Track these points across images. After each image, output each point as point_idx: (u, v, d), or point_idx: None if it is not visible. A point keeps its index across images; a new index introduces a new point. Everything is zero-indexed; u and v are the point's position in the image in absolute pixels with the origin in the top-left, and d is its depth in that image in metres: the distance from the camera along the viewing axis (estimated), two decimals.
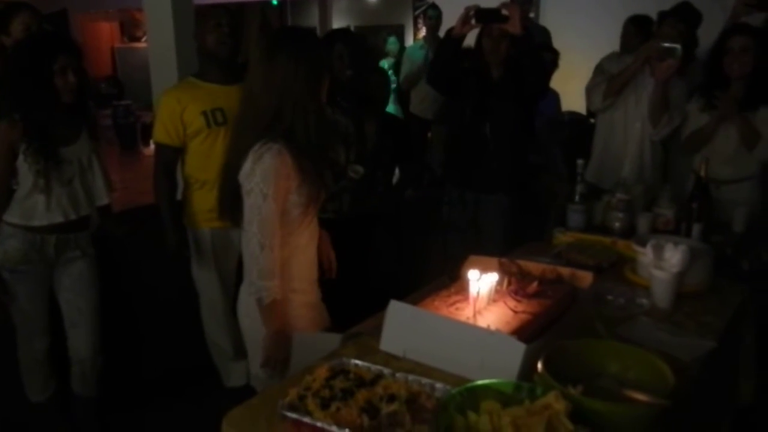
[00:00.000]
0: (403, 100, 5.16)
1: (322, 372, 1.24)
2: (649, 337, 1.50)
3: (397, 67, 5.32)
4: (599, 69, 2.90)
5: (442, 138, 4.20)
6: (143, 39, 9.72)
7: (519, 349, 1.23)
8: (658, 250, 1.72)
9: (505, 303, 1.46)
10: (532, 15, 5.14)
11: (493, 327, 1.34)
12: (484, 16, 2.46)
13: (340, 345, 1.50)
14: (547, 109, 3.91)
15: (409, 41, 7.88)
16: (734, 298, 1.77)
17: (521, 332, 1.33)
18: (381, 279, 2.51)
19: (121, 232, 2.42)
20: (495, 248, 2.40)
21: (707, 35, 2.93)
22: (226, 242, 2.43)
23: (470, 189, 2.75)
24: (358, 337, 1.51)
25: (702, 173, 2.15)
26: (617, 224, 2.26)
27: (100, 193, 2.26)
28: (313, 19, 9.10)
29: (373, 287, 2.37)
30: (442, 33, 3.27)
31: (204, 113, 2.31)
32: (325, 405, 1.14)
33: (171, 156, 2.39)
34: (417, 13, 8.31)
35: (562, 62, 4.04)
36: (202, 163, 2.34)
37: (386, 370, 1.25)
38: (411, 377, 1.23)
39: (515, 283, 1.55)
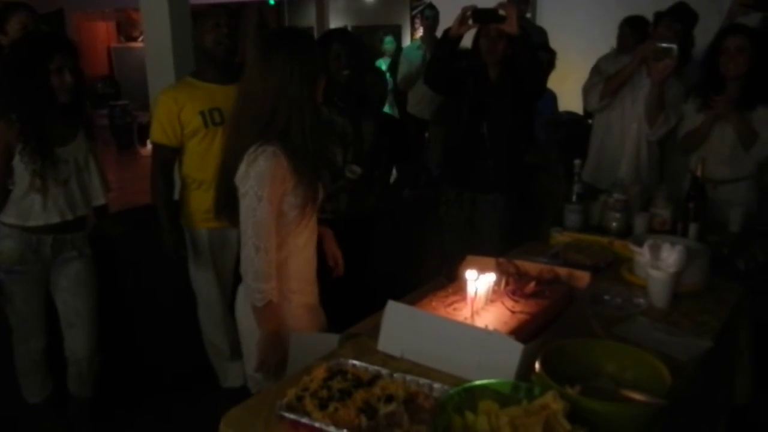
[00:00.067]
0: (399, 100, 5.16)
1: (319, 372, 1.24)
2: (646, 337, 1.50)
3: (393, 66, 5.32)
4: (596, 69, 2.91)
5: (440, 138, 4.21)
6: (140, 39, 9.71)
7: (516, 349, 1.23)
8: (655, 250, 1.72)
9: (503, 303, 1.46)
10: (528, 15, 5.14)
11: (490, 327, 1.35)
12: (481, 16, 2.46)
13: (337, 345, 1.50)
14: (544, 109, 3.92)
15: (406, 41, 7.88)
16: (730, 297, 1.77)
17: (519, 332, 1.34)
18: (378, 279, 2.51)
19: (117, 233, 2.41)
20: (492, 248, 2.40)
21: (703, 35, 2.94)
22: (223, 242, 2.43)
23: (467, 189, 2.76)
24: (355, 338, 1.51)
25: (698, 173, 2.16)
26: (614, 224, 2.27)
27: (96, 194, 2.26)
28: (310, 19, 9.09)
29: (371, 287, 2.37)
30: (439, 33, 3.28)
31: (201, 113, 2.31)
32: (323, 405, 1.14)
33: (168, 156, 2.39)
34: (414, 13, 8.32)
35: (559, 62, 4.05)
36: (200, 163, 2.33)
37: (384, 371, 1.26)
38: (409, 377, 1.23)
39: (513, 283, 1.55)
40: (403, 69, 4.84)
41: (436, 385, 1.20)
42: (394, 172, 2.97)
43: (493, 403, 1.08)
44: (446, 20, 3.34)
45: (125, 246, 2.52)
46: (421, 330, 1.37)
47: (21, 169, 2.04)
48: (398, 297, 1.46)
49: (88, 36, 10.06)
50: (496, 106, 2.64)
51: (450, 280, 1.62)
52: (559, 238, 2.22)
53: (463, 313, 1.42)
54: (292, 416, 1.13)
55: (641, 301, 1.71)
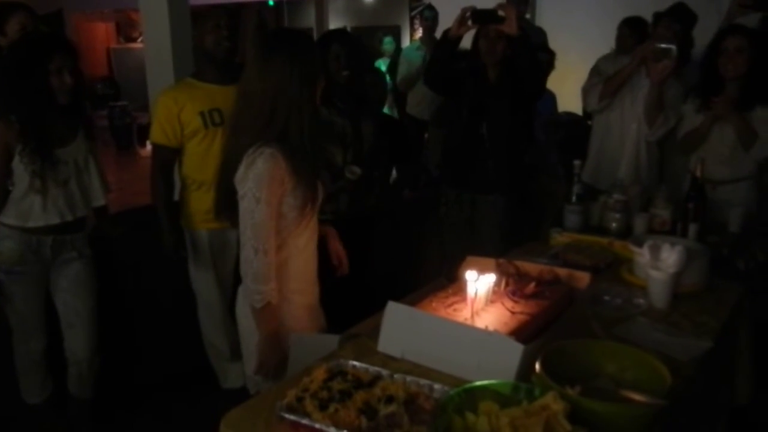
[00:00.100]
0: (398, 101, 5.16)
1: (320, 373, 1.24)
2: (646, 338, 1.50)
3: (392, 67, 5.32)
4: (595, 70, 2.92)
5: (439, 139, 4.21)
6: (139, 39, 9.72)
7: (517, 349, 1.23)
8: (655, 251, 1.72)
9: (503, 304, 1.46)
10: (528, 16, 5.15)
11: (490, 328, 1.35)
12: (480, 17, 2.47)
13: (338, 346, 1.50)
14: (543, 110, 3.92)
15: (406, 42, 7.89)
16: (730, 298, 1.78)
17: (519, 333, 1.34)
18: (378, 280, 2.51)
19: (117, 233, 2.41)
20: (492, 249, 2.40)
21: (702, 36, 2.94)
22: (223, 243, 2.43)
23: (467, 189, 2.76)
24: (355, 339, 1.51)
25: (698, 174, 2.16)
26: (614, 225, 2.27)
27: (96, 194, 2.26)
28: (309, 20, 9.09)
29: (371, 288, 2.37)
30: (438, 34, 3.28)
31: (201, 114, 2.31)
32: (323, 406, 1.14)
33: (168, 157, 2.39)
34: (413, 14, 8.33)
35: (559, 63, 4.05)
36: (200, 163, 2.33)
37: (384, 372, 1.26)
38: (409, 378, 1.23)
39: (513, 284, 1.55)
40: (402, 70, 4.84)
41: (437, 386, 1.20)
42: (394, 172, 2.97)
43: (493, 404, 1.08)
44: (446, 21, 3.34)
45: (125, 247, 2.52)
46: (421, 331, 1.37)
47: (21, 170, 2.04)
48: (398, 298, 1.46)
49: (88, 37, 10.06)
50: (496, 106, 2.64)
51: (450, 281, 1.62)
52: (559, 238, 2.22)
53: (463, 313, 1.42)
54: (292, 417, 1.13)
55: (641, 301, 1.71)
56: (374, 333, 1.44)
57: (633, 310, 1.68)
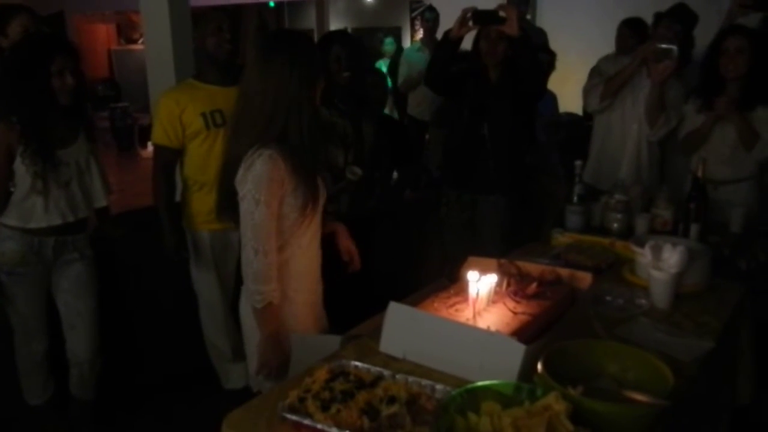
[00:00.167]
0: (399, 102, 5.16)
1: (322, 374, 1.24)
2: (647, 338, 1.50)
3: (393, 68, 5.31)
4: (596, 70, 2.91)
5: (440, 139, 4.21)
6: (140, 41, 9.73)
7: (519, 350, 1.23)
8: (657, 251, 1.72)
9: (505, 304, 1.46)
10: (528, 16, 5.15)
11: (492, 328, 1.35)
12: (481, 17, 2.47)
13: (339, 347, 1.50)
14: (544, 111, 3.92)
15: (406, 43, 7.90)
16: (732, 298, 1.77)
17: (521, 333, 1.33)
18: (380, 280, 2.51)
19: (118, 234, 2.41)
20: (493, 249, 2.40)
21: (703, 36, 2.95)
22: (225, 244, 2.43)
23: (468, 190, 2.76)
24: (357, 339, 1.51)
25: (699, 174, 2.16)
26: (615, 225, 2.27)
27: (97, 196, 2.26)
28: (310, 21, 9.11)
29: (372, 289, 2.37)
30: (439, 35, 3.28)
31: (203, 115, 2.31)
32: (325, 407, 1.14)
33: (170, 157, 2.39)
34: (414, 15, 8.33)
35: (559, 64, 4.05)
36: (201, 164, 2.34)
37: (386, 372, 1.26)
38: (411, 379, 1.23)
39: (514, 285, 1.55)
40: (403, 71, 4.84)
41: (439, 387, 1.20)
42: (395, 173, 2.96)
43: (495, 404, 1.08)
44: (446, 22, 3.34)
45: (126, 248, 2.52)
46: (423, 331, 1.37)
47: (22, 171, 2.05)
48: (400, 298, 1.46)
49: (89, 38, 10.08)
50: (497, 107, 2.64)
51: (452, 281, 1.62)
52: (561, 239, 2.22)
53: (464, 314, 1.42)
54: (294, 418, 1.13)
55: (643, 301, 1.71)
56: (376, 333, 1.44)
57: (635, 310, 1.68)
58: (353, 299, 1.94)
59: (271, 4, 9.51)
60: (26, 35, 2.46)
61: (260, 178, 1.52)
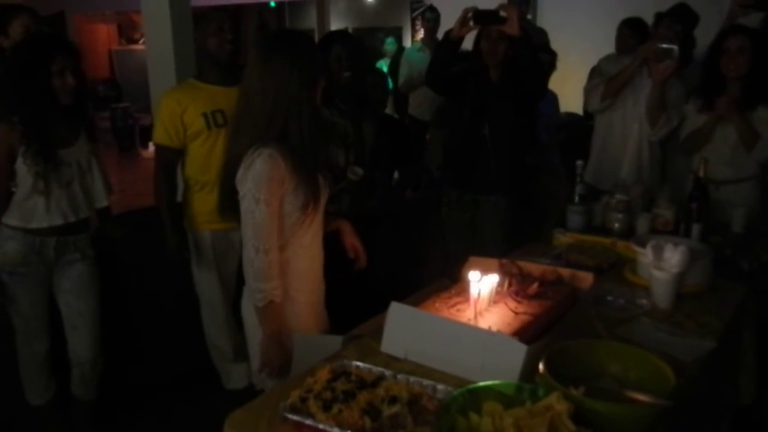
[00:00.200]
0: (399, 102, 5.16)
1: (323, 374, 1.24)
2: (649, 338, 1.50)
3: (393, 68, 5.31)
4: (597, 70, 2.91)
5: (440, 140, 4.21)
6: (141, 41, 9.74)
7: (520, 350, 1.23)
8: (658, 251, 1.72)
9: (506, 304, 1.46)
10: (529, 16, 5.14)
11: (494, 328, 1.35)
12: (482, 17, 2.46)
13: (341, 347, 1.50)
14: (545, 111, 3.91)
15: (407, 43, 7.90)
16: (733, 298, 1.77)
17: (522, 333, 1.33)
18: (381, 280, 2.51)
19: (119, 235, 2.41)
20: (494, 249, 2.40)
21: (704, 36, 2.94)
22: (226, 244, 2.43)
23: (469, 190, 2.76)
24: (359, 339, 1.51)
25: (701, 174, 2.16)
26: (617, 225, 2.27)
27: (99, 196, 2.26)
28: (311, 21, 9.12)
29: (374, 289, 2.37)
30: (440, 35, 3.28)
31: (204, 115, 2.31)
32: (326, 407, 1.14)
33: (171, 157, 2.39)
34: (415, 15, 8.34)
35: (560, 63, 4.04)
36: (203, 164, 2.34)
37: (388, 372, 1.26)
38: (412, 379, 1.23)
39: (516, 285, 1.55)
40: (404, 71, 4.84)
41: (440, 387, 1.20)
42: (396, 173, 2.97)
43: (497, 405, 1.08)
44: (447, 22, 3.34)
45: (128, 248, 2.52)
46: (424, 331, 1.37)
47: (24, 171, 2.05)
48: (401, 298, 1.46)
49: (89, 38, 10.09)
50: (498, 107, 2.64)
51: (453, 282, 1.62)
52: (562, 239, 2.22)
53: (466, 314, 1.42)
54: (295, 418, 1.13)
55: (644, 301, 1.71)
56: (377, 333, 1.44)
57: (636, 310, 1.68)
58: (354, 299, 1.94)
59: (272, 3, 9.51)
60: (27, 35, 2.46)
61: (260, 177, 1.52)
